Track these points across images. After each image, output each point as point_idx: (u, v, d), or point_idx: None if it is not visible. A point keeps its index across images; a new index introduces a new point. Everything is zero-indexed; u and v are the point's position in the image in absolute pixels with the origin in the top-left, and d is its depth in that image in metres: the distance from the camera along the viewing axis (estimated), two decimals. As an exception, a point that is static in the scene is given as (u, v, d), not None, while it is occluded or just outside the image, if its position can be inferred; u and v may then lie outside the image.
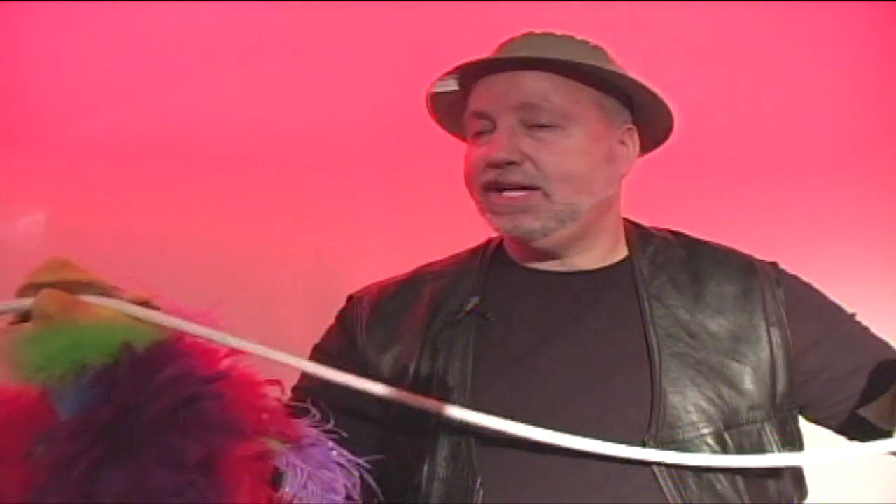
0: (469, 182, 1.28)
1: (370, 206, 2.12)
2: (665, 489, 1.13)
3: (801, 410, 1.27)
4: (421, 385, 1.24)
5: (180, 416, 0.93)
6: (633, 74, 1.26)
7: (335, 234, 2.09)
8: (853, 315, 1.32)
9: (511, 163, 1.21)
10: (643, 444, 1.15)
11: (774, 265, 1.31)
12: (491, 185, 1.24)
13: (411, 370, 1.25)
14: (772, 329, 1.24)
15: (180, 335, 0.99)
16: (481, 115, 1.26)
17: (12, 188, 2.01)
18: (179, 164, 2.02)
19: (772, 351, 1.22)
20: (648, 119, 1.30)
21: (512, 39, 1.29)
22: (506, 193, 1.23)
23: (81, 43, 1.97)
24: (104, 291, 0.97)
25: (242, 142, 2.05)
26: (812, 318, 1.28)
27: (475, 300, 1.27)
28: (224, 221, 2.01)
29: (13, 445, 0.99)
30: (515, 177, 1.22)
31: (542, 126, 1.22)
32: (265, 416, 1.03)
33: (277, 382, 1.08)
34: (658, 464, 1.13)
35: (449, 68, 1.27)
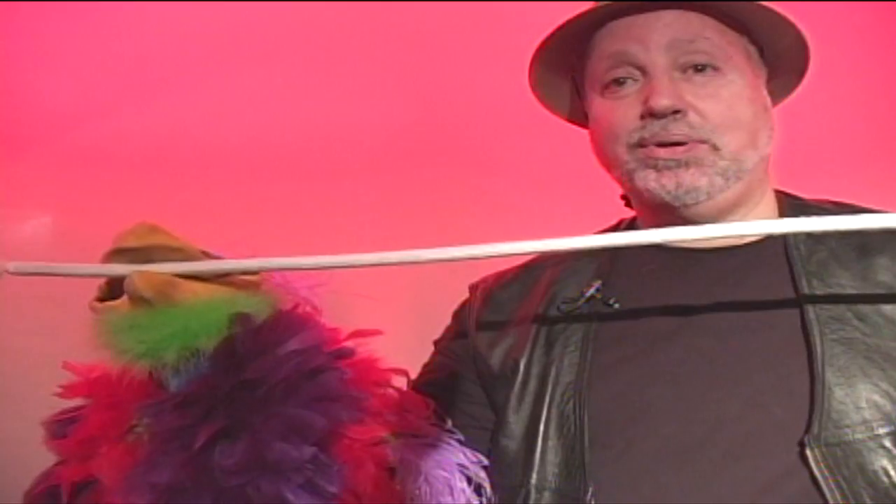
0: (610, 140, 1.13)
1: (379, 212, 2.05)
2: (830, 499, 0.93)
3: None
4: (531, 382, 1.11)
5: (303, 388, 0.86)
6: (782, 11, 1.12)
7: (343, 240, 2.02)
8: None
9: (677, 112, 1.07)
10: (801, 447, 0.96)
11: None
12: (647, 142, 1.09)
13: (522, 365, 1.12)
14: None
15: (297, 307, 0.92)
16: (622, 57, 1.10)
17: (18, 192, 1.98)
18: (186, 168, 1.98)
19: None
20: (774, 73, 1.18)
21: None
22: (664, 147, 1.09)
23: (88, 46, 1.94)
24: (194, 257, 0.89)
25: (250, 147, 2.00)
26: None
27: (597, 285, 1.14)
28: (231, 227, 1.93)
29: (116, 422, 0.93)
30: (681, 128, 1.07)
31: (697, 69, 1.09)
32: (384, 403, 0.96)
33: (403, 372, 1.01)
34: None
35: (571, 16, 1.12)
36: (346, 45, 1.97)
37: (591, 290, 1.13)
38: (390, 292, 1.78)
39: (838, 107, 1.96)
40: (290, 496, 0.83)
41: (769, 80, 1.18)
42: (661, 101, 1.06)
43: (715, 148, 1.08)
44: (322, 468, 0.85)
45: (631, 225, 1.23)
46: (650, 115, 1.08)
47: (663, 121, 1.07)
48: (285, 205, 1.98)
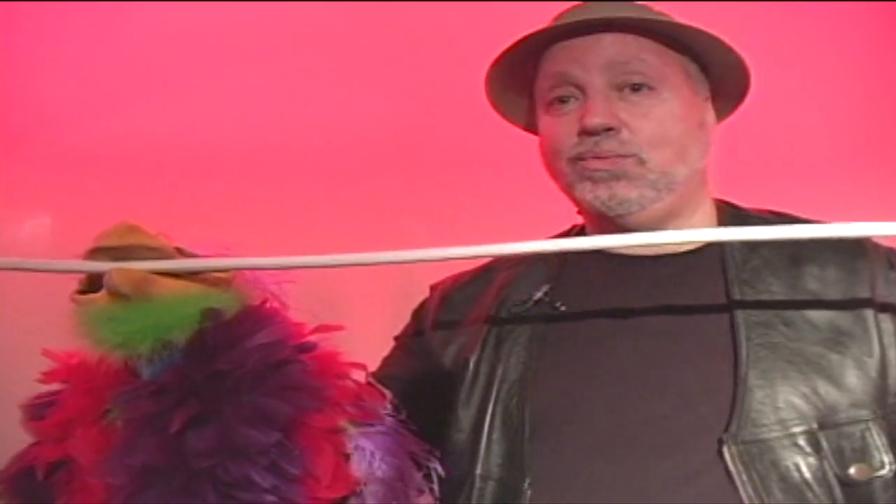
0: (552, 154, 1.20)
1: (376, 213, 2.09)
2: (743, 494, 1.01)
3: None
4: (480, 379, 1.19)
5: (270, 378, 0.93)
6: (718, 34, 1.18)
7: (343, 241, 2.07)
8: None
9: (609, 129, 1.14)
10: (720, 444, 1.04)
11: (891, 249, 1.17)
12: (584, 156, 1.16)
13: (472, 362, 1.20)
14: (881, 318, 1.11)
15: (265, 302, 1.00)
16: (564, 78, 1.18)
17: (17, 192, 2.00)
18: (185, 168, 2.01)
19: (881, 342, 1.09)
20: (719, 89, 1.24)
21: (573, 8, 1.21)
22: (597, 160, 1.16)
23: (87, 46, 1.97)
24: (170, 256, 0.95)
25: (250, 147, 2.04)
26: None
27: (545, 288, 1.21)
28: (229, 227, 1.92)
29: (91, 406, 0.99)
30: (611, 145, 1.15)
31: (634, 89, 1.16)
32: (343, 394, 1.03)
33: (362, 366, 1.08)
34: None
35: (518, 37, 1.20)
36: (344, 48, 2.01)
37: (539, 294, 1.21)
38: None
39: (838, 107, 2.02)
40: (256, 477, 0.90)
41: (716, 98, 1.25)
42: (594, 120, 1.14)
43: (641, 161, 1.15)
44: (285, 452, 0.92)
45: (581, 231, 1.30)
46: (584, 132, 1.15)
47: (596, 137, 1.14)
48: (284, 205, 2.02)
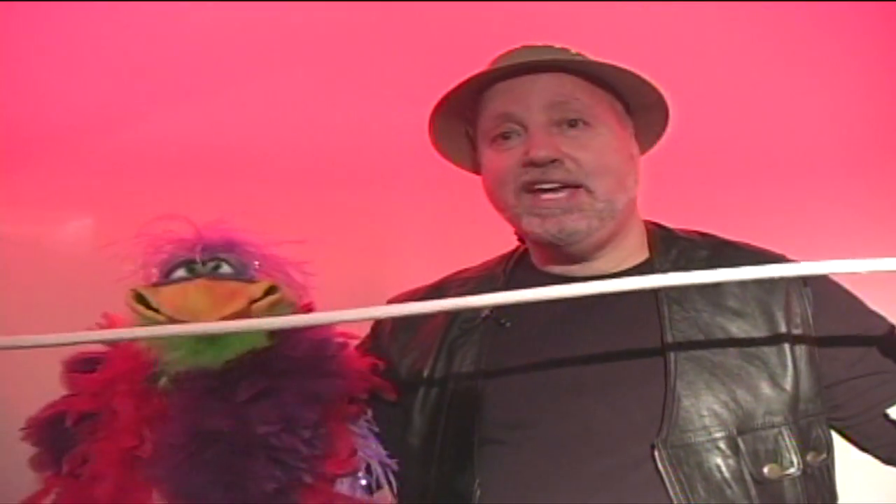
0: (499, 186, 1.26)
1: (408, 217, 2.16)
2: (671, 492, 1.12)
3: (836, 428, 1.25)
4: (434, 389, 1.28)
5: (318, 366, 1.11)
6: (642, 73, 1.26)
7: (375, 245, 2.13)
8: (893, 327, 1.25)
9: (554, 161, 1.21)
10: (652, 447, 1.14)
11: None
12: (530, 186, 1.23)
13: (425, 374, 1.29)
14: (794, 331, 1.20)
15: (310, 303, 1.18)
16: (507, 117, 1.25)
17: (60, 195, 2.04)
18: (223, 171, 2.05)
19: (793, 354, 1.20)
20: (641, 125, 1.32)
21: (510, 52, 1.29)
22: (546, 196, 1.23)
23: (127, 53, 2.02)
24: None
25: (285, 151, 2.09)
26: (841, 320, 1.24)
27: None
28: (267, 226, 2.05)
29: (137, 369, 1.12)
30: (558, 174, 1.22)
31: (571, 125, 1.23)
32: (361, 389, 1.20)
33: (379, 364, 1.24)
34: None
35: (464, 78, 1.26)
36: (376, 51, 2.08)
37: (486, 311, 1.30)
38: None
39: (842, 107, 2.10)
40: (301, 447, 1.06)
41: (637, 133, 1.32)
42: (540, 153, 1.21)
43: (589, 191, 1.23)
44: (319, 431, 1.09)
45: (524, 254, 1.38)
46: (531, 164, 1.22)
47: (542, 168, 1.22)
48: (318, 204, 2.08)
